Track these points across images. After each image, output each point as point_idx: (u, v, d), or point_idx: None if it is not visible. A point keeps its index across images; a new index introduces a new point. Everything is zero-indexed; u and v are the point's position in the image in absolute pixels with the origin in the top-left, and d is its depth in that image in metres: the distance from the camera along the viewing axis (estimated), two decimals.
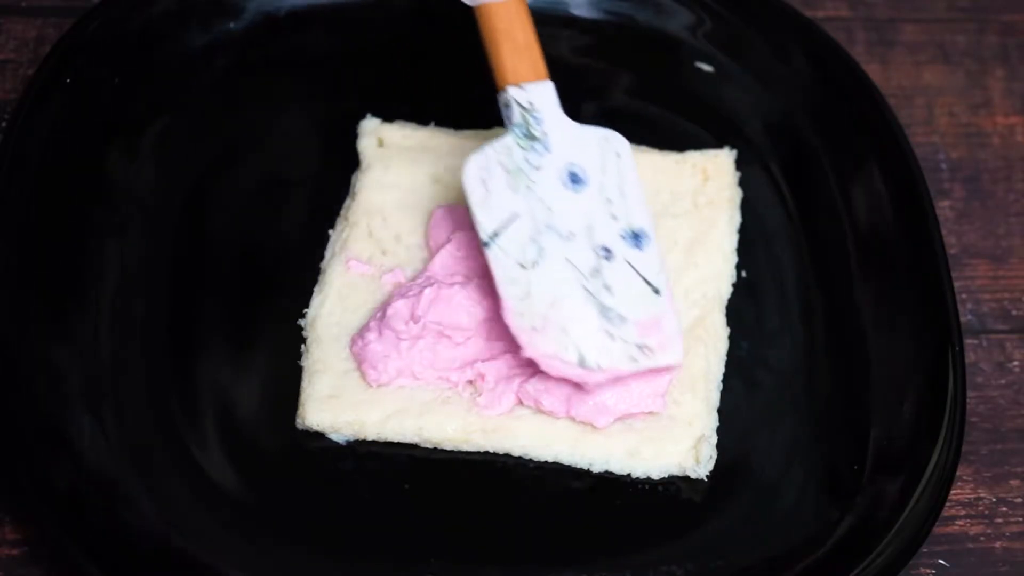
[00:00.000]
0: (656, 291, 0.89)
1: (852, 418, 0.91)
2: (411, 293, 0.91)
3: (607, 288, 0.88)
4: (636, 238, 0.89)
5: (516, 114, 0.91)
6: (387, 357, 0.90)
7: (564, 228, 0.89)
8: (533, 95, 0.91)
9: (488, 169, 0.89)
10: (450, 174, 0.98)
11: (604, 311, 0.88)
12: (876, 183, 0.99)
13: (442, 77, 1.04)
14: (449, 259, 0.93)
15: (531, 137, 0.89)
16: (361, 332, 0.91)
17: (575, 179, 0.89)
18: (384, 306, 0.91)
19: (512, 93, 0.91)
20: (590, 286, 0.88)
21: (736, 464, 0.90)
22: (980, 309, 1.00)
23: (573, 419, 0.90)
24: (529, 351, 0.88)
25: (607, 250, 0.88)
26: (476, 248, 0.91)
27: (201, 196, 0.98)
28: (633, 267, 0.88)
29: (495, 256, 0.88)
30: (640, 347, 0.88)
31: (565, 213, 0.89)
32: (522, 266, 0.88)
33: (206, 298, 0.94)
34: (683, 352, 0.90)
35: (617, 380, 0.88)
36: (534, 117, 0.90)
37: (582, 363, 0.88)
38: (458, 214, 0.94)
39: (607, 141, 0.91)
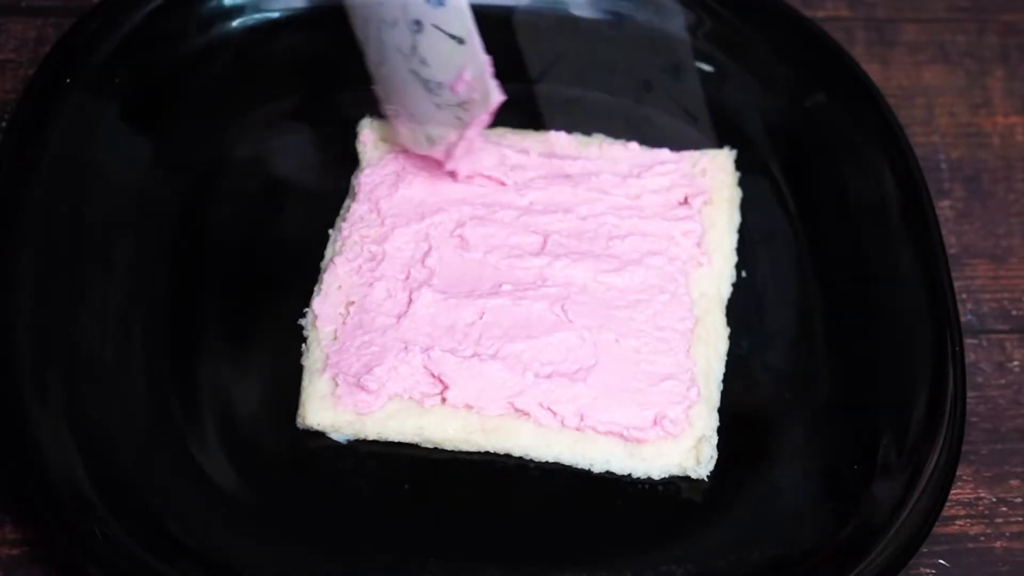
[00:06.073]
0: (460, 40, 0.91)
1: (852, 418, 0.91)
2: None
3: (423, 62, 0.92)
4: None
5: None
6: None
7: (389, 16, 0.92)
8: None
9: None
10: None
11: (427, 84, 0.92)
12: (876, 183, 0.99)
13: None
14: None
15: None
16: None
17: None
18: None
19: None
20: (412, 65, 0.92)
21: (736, 464, 0.90)
22: (980, 309, 1.00)
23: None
24: (402, 142, 0.97)
25: (417, 23, 0.91)
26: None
27: (201, 196, 0.98)
28: (439, 28, 0.91)
29: (368, 63, 0.95)
30: (460, 104, 0.93)
31: (388, 1, 0.92)
32: (377, 65, 0.95)
33: (206, 298, 0.95)
34: (494, 93, 0.92)
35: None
36: None
37: (431, 142, 0.95)
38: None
39: None
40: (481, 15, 0.98)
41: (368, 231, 0.96)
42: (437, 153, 0.96)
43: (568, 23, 1.06)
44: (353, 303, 0.93)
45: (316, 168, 1.01)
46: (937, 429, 0.88)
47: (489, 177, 0.97)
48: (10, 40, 1.06)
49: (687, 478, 0.90)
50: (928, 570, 0.90)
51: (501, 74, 0.98)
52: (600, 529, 0.88)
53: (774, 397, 0.93)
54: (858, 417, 0.91)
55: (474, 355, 0.90)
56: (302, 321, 0.93)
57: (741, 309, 0.96)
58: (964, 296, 1.00)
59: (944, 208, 1.04)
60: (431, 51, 0.91)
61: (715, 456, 0.90)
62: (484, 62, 0.91)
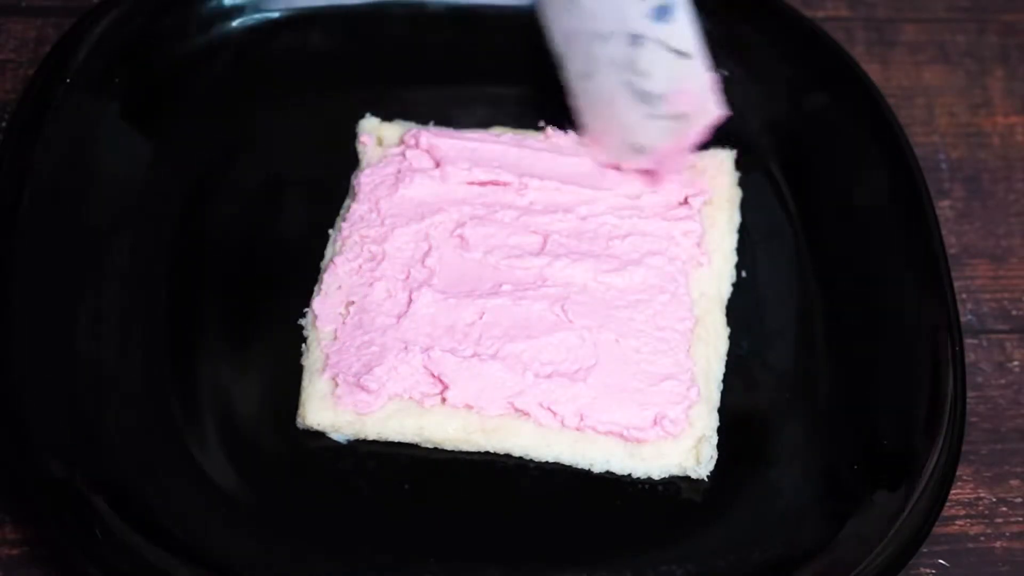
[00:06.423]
0: (685, 55, 0.93)
1: (852, 418, 0.91)
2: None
3: (643, 73, 0.93)
4: (662, 12, 0.92)
5: None
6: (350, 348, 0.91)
7: (604, 30, 0.93)
8: None
9: (547, 3, 0.97)
10: None
11: (644, 96, 0.94)
12: (876, 183, 0.99)
13: (441, 77, 1.04)
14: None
15: None
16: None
17: None
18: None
19: None
20: (627, 77, 0.93)
21: (736, 464, 0.90)
22: (980, 309, 1.00)
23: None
24: (604, 156, 0.98)
25: (637, 37, 0.93)
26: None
27: (201, 196, 0.98)
28: (661, 42, 0.92)
29: (568, 75, 0.97)
30: (677, 117, 0.94)
31: (602, 14, 0.94)
32: (582, 78, 0.97)
33: (206, 298, 0.95)
34: (713, 107, 0.94)
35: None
36: None
37: (638, 152, 0.96)
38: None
39: None
40: (483, 14, 0.99)
41: (368, 231, 0.96)
42: (644, 163, 0.97)
43: None
44: (353, 303, 0.93)
45: (316, 168, 1.01)
46: (937, 429, 0.88)
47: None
48: (10, 40, 1.06)
49: (687, 478, 0.90)
50: (928, 570, 0.90)
51: (502, 74, 0.99)
52: (600, 529, 0.88)
53: (774, 397, 0.93)
54: (858, 417, 0.91)
55: (474, 355, 0.90)
56: (302, 321, 0.93)
57: (741, 309, 0.96)
58: (964, 296, 1.00)
59: (944, 208, 1.04)
60: (652, 64, 0.93)
61: (715, 456, 0.90)
62: (707, 77, 0.93)
